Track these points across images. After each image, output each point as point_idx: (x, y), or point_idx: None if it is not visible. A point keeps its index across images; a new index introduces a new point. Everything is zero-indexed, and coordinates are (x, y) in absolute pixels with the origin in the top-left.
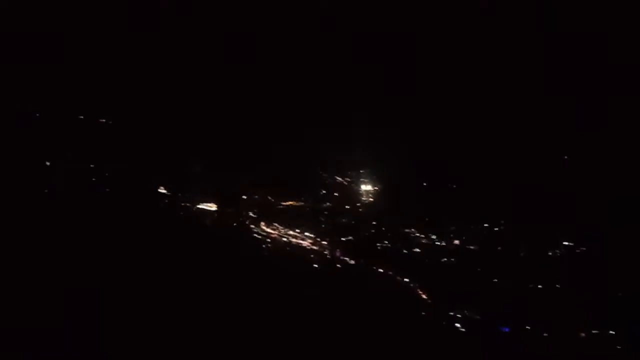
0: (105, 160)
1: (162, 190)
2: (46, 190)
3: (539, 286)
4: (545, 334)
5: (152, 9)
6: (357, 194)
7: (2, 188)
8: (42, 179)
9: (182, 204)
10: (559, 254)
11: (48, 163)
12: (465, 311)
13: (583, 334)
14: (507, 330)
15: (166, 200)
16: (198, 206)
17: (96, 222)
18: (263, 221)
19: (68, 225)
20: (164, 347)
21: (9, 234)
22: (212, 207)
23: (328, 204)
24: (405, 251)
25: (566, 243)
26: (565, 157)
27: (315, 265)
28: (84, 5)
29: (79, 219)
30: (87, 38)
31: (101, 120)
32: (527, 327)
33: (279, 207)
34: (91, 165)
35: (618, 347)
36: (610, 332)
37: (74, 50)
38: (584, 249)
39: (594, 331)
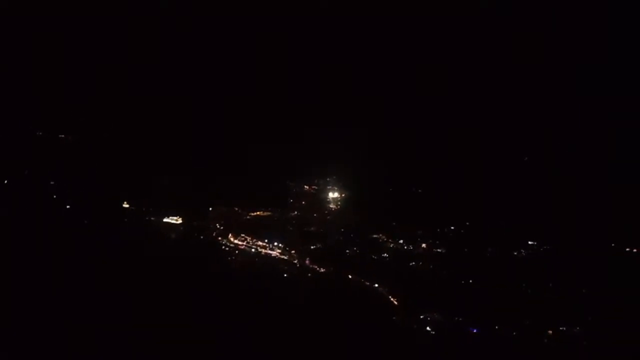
0: (67, 177)
1: (126, 205)
2: (6, 208)
3: (506, 286)
4: (514, 333)
5: (121, 23)
6: (325, 202)
7: None
8: (2, 197)
9: (148, 219)
10: (524, 254)
11: (5, 181)
12: (435, 314)
13: (550, 332)
14: (476, 330)
15: (131, 215)
16: (164, 220)
17: (58, 240)
18: (231, 232)
19: (30, 242)
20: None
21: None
22: (179, 220)
23: (296, 212)
24: (374, 257)
25: (531, 242)
26: (526, 158)
27: (285, 275)
28: (51, 26)
29: (41, 235)
30: (47, 54)
31: (60, 135)
32: (496, 327)
33: (247, 217)
34: (51, 182)
35: (584, 343)
36: (577, 328)
37: (31, 64)
38: (548, 247)
39: (561, 328)
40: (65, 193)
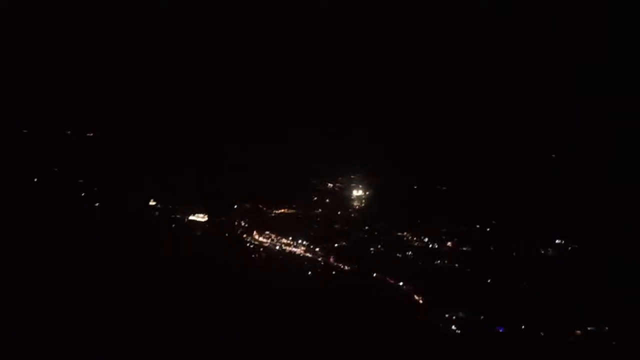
0: (95, 175)
1: (152, 202)
2: (35, 206)
3: (533, 285)
4: (541, 333)
5: (141, 25)
6: (349, 199)
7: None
8: (32, 196)
9: (173, 216)
10: (551, 253)
11: (36, 179)
12: (460, 313)
13: (578, 332)
14: (502, 330)
15: (157, 213)
16: (189, 217)
17: (86, 237)
18: (255, 230)
19: (58, 240)
20: (159, 355)
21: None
22: (204, 218)
23: (320, 210)
24: (398, 255)
25: (558, 241)
26: (554, 155)
27: (310, 272)
28: (72, 26)
29: (69, 233)
30: (74, 54)
31: (89, 134)
32: (522, 327)
33: (271, 215)
34: (80, 180)
35: (613, 343)
36: (606, 328)
37: (60, 66)
38: (577, 246)
39: (589, 328)
40: (93, 192)
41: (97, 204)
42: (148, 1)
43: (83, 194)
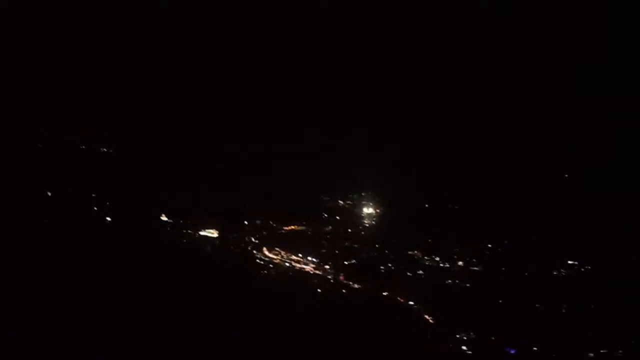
0: (107, 189)
1: (164, 217)
2: (48, 220)
3: (545, 306)
4: (553, 355)
5: (141, 25)
6: (359, 217)
7: (4, 217)
8: (44, 209)
9: (184, 231)
10: (564, 273)
11: (50, 193)
12: (471, 333)
13: (591, 354)
14: (513, 352)
15: (168, 228)
16: (200, 233)
17: (98, 251)
18: (265, 246)
19: (70, 254)
20: None
21: (11, 263)
22: (214, 233)
23: (330, 227)
24: (409, 273)
25: (571, 262)
26: (566, 175)
27: (319, 290)
28: (72, 26)
29: (80, 248)
30: (73, 54)
31: (102, 149)
32: (534, 348)
33: (281, 231)
34: (92, 195)
35: None
36: (620, 351)
37: (71, 82)
38: (589, 267)
39: (602, 351)
40: (103, 206)
41: (107, 219)
42: (148, 1)
43: (94, 208)
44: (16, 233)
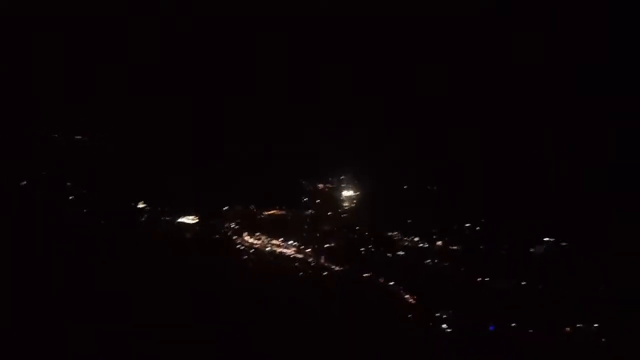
0: (83, 178)
1: (141, 205)
2: (22, 210)
3: (523, 283)
4: (530, 330)
5: (141, 25)
6: (339, 200)
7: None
8: (18, 199)
9: (163, 218)
10: (541, 251)
11: (24, 182)
12: (451, 311)
13: (568, 329)
14: (492, 328)
15: (146, 215)
16: (179, 220)
17: (75, 240)
18: (246, 231)
19: (46, 243)
20: (150, 356)
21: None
22: (194, 220)
23: (310, 211)
24: (389, 254)
25: (547, 239)
26: (542, 154)
27: (301, 273)
28: (73, 26)
29: (56, 237)
30: (74, 54)
31: (77, 137)
32: (512, 325)
33: (261, 216)
34: (68, 183)
35: (603, 340)
36: (594, 325)
37: (60, 66)
38: (565, 244)
39: (578, 325)
40: (81, 195)
41: (85, 210)
42: (148, 1)
43: (71, 197)
44: (15, 228)
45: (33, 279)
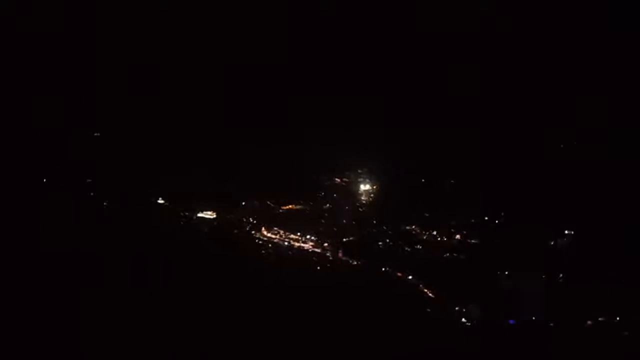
0: (103, 174)
1: (161, 201)
2: (45, 206)
3: (543, 276)
4: (551, 324)
5: (143, 22)
6: (356, 194)
7: (2, 205)
8: (41, 196)
9: (182, 214)
10: (562, 243)
11: (45, 180)
12: (470, 305)
13: (590, 322)
14: (513, 322)
15: (166, 211)
16: (198, 215)
17: (96, 236)
18: (263, 226)
19: (68, 240)
20: (167, 352)
21: (8, 250)
22: (212, 215)
23: (328, 205)
24: (407, 249)
25: (568, 231)
26: (562, 146)
27: (318, 267)
28: (73, 26)
29: (78, 233)
30: (78, 53)
31: (96, 134)
32: (533, 318)
33: (279, 211)
34: (88, 180)
35: (625, 333)
36: (617, 318)
37: (65, 66)
38: (587, 236)
39: (600, 318)
40: (101, 191)
41: (105, 203)
42: (148, 1)
43: (92, 194)
44: (15, 219)
45: (55, 276)
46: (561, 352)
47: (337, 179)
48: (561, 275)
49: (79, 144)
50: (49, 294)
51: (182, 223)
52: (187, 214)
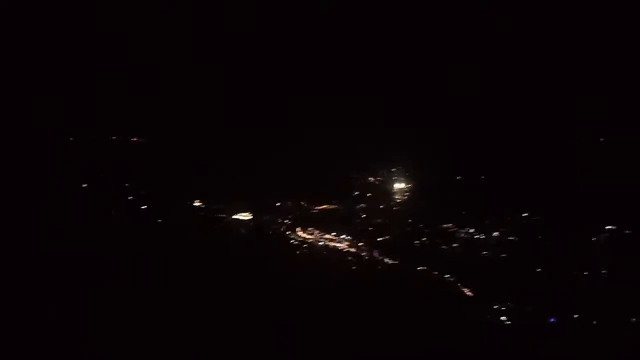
0: (141, 179)
1: (197, 203)
2: (85, 212)
3: (585, 273)
4: (594, 322)
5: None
6: (391, 193)
7: (43, 212)
8: (80, 201)
9: (218, 216)
10: (603, 240)
11: (85, 185)
12: (510, 303)
13: (634, 320)
14: (554, 320)
15: (202, 213)
16: (234, 217)
17: (135, 240)
18: (299, 227)
19: (108, 244)
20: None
21: (50, 254)
22: (248, 216)
23: (362, 205)
24: (444, 247)
25: (609, 227)
26: (602, 140)
27: (355, 267)
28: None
29: (118, 238)
30: (113, 62)
31: (133, 139)
32: (575, 316)
33: (314, 212)
34: (126, 185)
35: None
36: None
37: (102, 74)
38: (629, 232)
39: None
40: (139, 195)
41: (144, 207)
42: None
43: (131, 198)
44: (57, 225)
45: (96, 278)
46: (604, 350)
47: (370, 179)
48: (604, 271)
49: (116, 149)
50: (80, 294)
51: (218, 225)
52: (223, 216)
